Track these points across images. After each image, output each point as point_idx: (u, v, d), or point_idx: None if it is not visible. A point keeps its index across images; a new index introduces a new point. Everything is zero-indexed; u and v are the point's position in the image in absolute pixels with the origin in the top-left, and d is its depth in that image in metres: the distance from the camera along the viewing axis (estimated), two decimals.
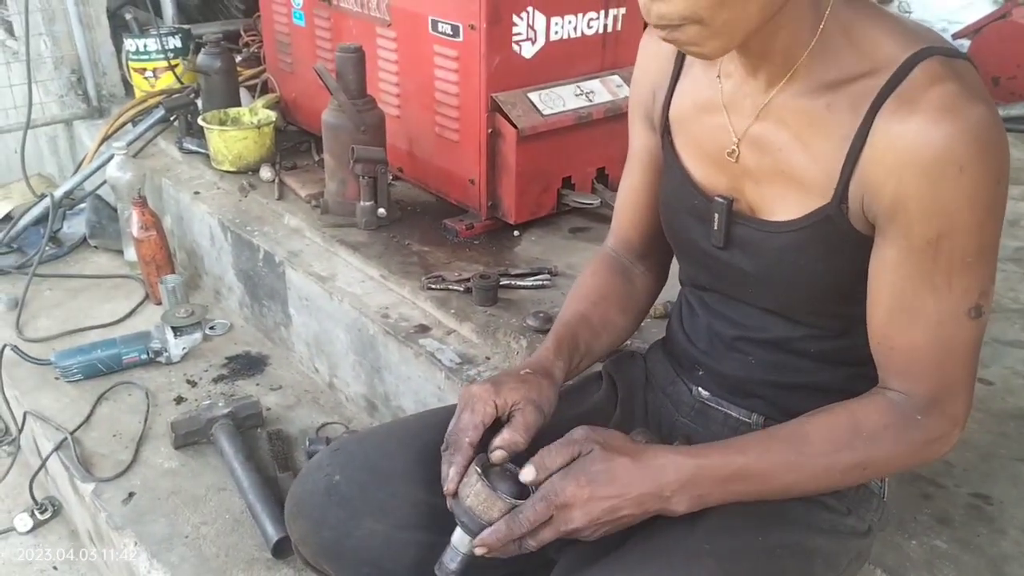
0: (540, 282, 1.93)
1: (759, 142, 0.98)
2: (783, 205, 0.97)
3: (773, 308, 1.04)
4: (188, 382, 2.21)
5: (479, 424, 0.99)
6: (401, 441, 1.13)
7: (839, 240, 0.93)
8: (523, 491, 0.95)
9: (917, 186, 0.84)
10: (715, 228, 1.03)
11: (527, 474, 0.94)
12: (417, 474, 1.08)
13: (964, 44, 3.77)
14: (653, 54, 1.12)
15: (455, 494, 0.97)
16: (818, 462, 0.93)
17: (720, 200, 1.02)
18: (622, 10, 2.17)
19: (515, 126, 2.01)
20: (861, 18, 0.90)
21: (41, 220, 2.79)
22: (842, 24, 0.90)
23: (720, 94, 1.01)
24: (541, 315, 1.77)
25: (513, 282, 1.93)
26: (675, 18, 0.83)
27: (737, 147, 1.00)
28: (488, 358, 1.75)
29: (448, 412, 1.06)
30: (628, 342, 1.46)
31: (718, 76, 1.02)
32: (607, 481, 0.91)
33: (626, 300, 1.20)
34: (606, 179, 2.27)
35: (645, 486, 0.91)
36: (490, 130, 2.06)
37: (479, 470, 0.96)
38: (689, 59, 1.07)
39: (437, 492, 0.99)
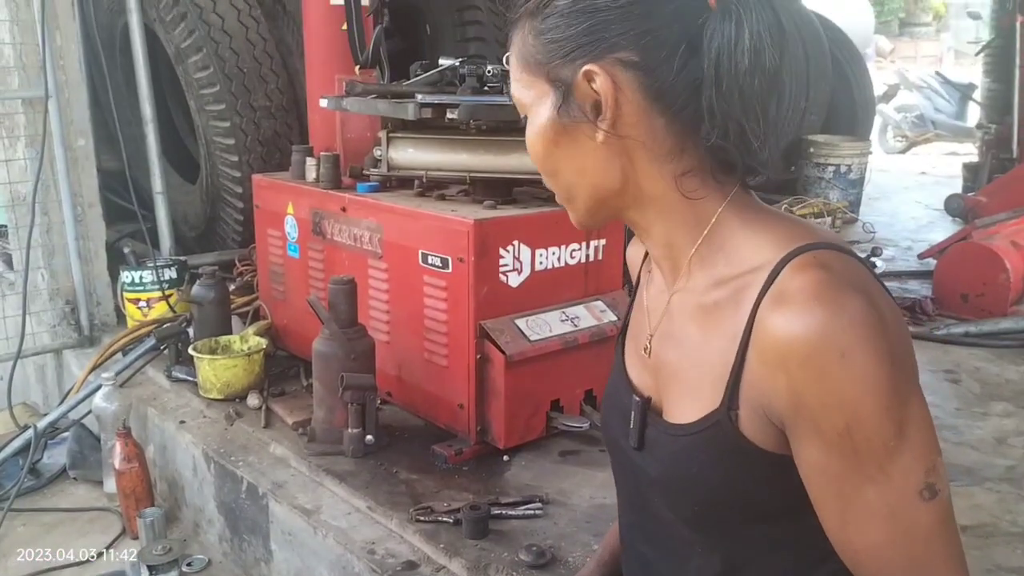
0: (532, 511, 1.89)
1: (665, 340, 0.97)
2: (682, 407, 0.93)
3: (682, 522, 0.97)
4: None
5: None
6: None
7: (728, 449, 0.88)
8: None
9: (805, 379, 0.79)
10: (631, 427, 1.00)
11: None
12: None
13: (931, 263, 3.94)
14: (631, 258, 1.17)
15: None
16: None
17: (637, 399, 0.99)
18: (603, 241, 2.28)
19: (503, 352, 2.05)
20: (748, 222, 0.90)
21: (21, 451, 2.74)
22: (729, 228, 0.90)
23: (645, 290, 1.04)
24: (534, 548, 1.71)
25: (504, 511, 1.88)
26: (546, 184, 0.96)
27: (649, 343, 0.99)
28: None
29: None
30: None
31: (649, 271, 1.04)
32: None
33: None
34: (594, 401, 2.28)
35: None
36: (479, 356, 2.09)
37: None
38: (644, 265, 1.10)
39: None
